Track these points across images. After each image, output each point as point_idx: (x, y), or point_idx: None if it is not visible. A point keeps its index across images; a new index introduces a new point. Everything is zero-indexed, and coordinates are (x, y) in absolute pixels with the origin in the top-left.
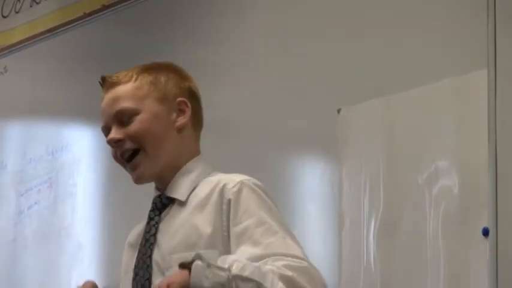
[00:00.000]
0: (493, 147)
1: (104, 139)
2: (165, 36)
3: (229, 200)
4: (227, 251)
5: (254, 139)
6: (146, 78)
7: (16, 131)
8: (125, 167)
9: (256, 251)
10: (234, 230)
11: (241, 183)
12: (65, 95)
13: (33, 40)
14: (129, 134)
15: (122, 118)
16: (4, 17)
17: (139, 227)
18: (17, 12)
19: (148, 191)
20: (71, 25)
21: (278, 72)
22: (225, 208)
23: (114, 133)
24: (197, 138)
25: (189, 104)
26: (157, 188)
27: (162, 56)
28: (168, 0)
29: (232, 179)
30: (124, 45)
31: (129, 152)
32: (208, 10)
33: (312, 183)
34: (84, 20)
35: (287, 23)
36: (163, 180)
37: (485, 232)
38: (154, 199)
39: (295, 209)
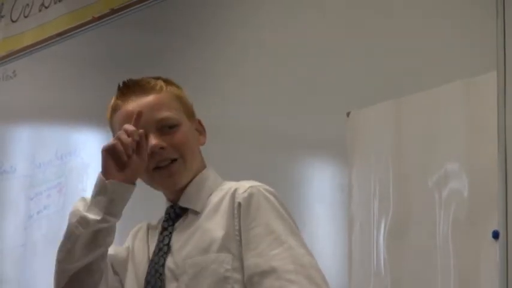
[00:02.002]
0: (503, 149)
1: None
2: (173, 40)
3: (239, 204)
4: (240, 254)
5: (263, 143)
6: (173, 91)
7: (25, 136)
8: (151, 173)
9: (260, 261)
10: (243, 236)
11: (252, 187)
12: (74, 99)
13: (42, 44)
14: (173, 143)
15: (164, 126)
16: (13, 21)
17: (140, 234)
18: (25, 17)
19: (157, 196)
20: (79, 29)
21: (287, 76)
22: (236, 212)
23: (157, 140)
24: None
25: (202, 123)
26: (168, 199)
27: (171, 59)
28: (176, 4)
29: (243, 185)
30: (133, 49)
31: (168, 161)
32: (216, 13)
33: (321, 186)
34: (92, 24)
35: (295, 26)
36: (177, 191)
37: (495, 235)
38: (167, 210)
39: (304, 212)
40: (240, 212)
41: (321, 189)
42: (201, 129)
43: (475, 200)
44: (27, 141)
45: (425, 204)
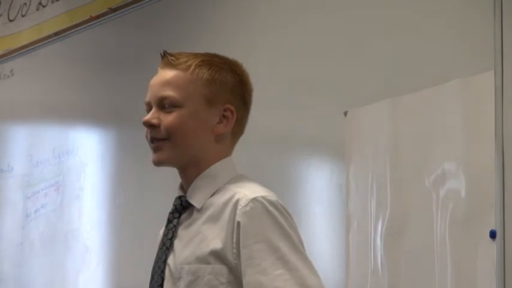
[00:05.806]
0: (500, 149)
1: (110, 143)
2: (171, 39)
3: (239, 222)
4: (237, 267)
5: (261, 141)
6: (203, 74)
7: (23, 134)
8: (151, 148)
9: (263, 280)
10: (243, 252)
11: (254, 201)
12: (72, 98)
13: (40, 43)
14: (164, 123)
15: (164, 104)
16: (10, 20)
17: None
18: (23, 16)
19: (155, 195)
20: (77, 28)
21: (285, 75)
22: (236, 227)
23: (152, 116)
24: (233, 144)
25: (234, 113)
26: (181, 188)
27: None
28: (174, 3)
29: (245, 196)
30: (131, 48)
31: (158, 140)
32: (215, 12)
33: (319, 185)
34: (90, 23)
35: (294, 25)
36: (187, 176)
37: (493, 234)
38: (175, 200)
39: (302, 211)
40: (240, 227)
41: (319, 188)
42: (228, 117)
43: (472, 199)
44: (25, 140)
45: (422, 203)
